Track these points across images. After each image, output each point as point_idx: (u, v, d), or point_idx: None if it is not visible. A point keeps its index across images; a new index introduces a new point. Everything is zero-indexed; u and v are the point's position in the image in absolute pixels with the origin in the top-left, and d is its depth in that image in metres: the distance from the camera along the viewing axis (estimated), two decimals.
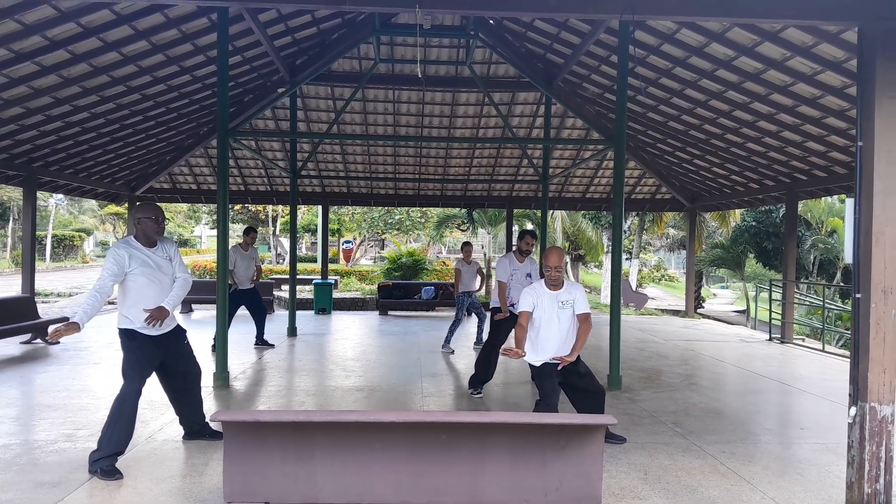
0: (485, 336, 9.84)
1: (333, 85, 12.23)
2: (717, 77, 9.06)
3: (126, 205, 15.35)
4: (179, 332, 5.04)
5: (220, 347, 7.31)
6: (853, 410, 3.42)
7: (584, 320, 5.15)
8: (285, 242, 37.25)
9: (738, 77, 8.77)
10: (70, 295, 21.42)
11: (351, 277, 23.31)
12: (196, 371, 5.17)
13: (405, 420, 3.31)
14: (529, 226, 25.56)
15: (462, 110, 13.09)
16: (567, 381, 5.05)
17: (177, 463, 4.80)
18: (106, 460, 4.50)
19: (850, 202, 3.56)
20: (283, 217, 37.22)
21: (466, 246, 9.97)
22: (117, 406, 4.61)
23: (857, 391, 3.38)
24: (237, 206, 35.30)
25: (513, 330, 7.13)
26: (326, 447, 3.49)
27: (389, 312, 15.30)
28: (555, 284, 4.98)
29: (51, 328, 4.99)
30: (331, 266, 29.08)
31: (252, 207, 35.63)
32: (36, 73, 8.26)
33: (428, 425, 3.40)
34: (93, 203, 45.59)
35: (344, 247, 35.16)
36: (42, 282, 22.15)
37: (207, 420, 5.22)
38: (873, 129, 3.46)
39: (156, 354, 4.80)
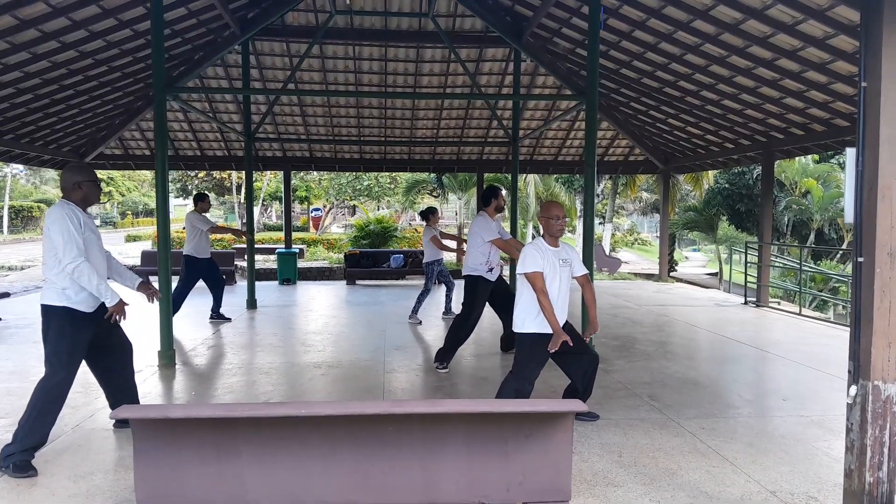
0: (453, 306, 9.41)
1: (289, 40, 11.48)
2: (694, 29, 8.56)
3: None
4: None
5: (163, 322, 6.76)
6: (853, 390, 3.01)
7: (586, 282, 4.75)
8: (254, 210, 36.36)
9: (716, 28, 8.28)
10: (22, 268, 20.51)
11: (318, 246, 22.68)
12: (128, 345, 4.64)
13: (342, 413, 2.84)
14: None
15: (427, 67, 12.44)
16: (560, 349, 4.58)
17: (104, 455, 4.29)
18: (20, 455, 3.97)
19: (850, 153, 3.11)
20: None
21: (434, 212, 9.45)
22: (41, 397, 4.04)
23: (858, 368, 2.97)
24: (200, 173, 34.25)
25: (485, 301, 6.73)
26: (254, 443, 3.02)
27: (357, 282, 14.79)
28: (556, 239, 4.54)
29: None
30: (300, 234, 28.41)
31: (216, 174, 34.57)
32: None
33: (370, 417, 2.93)
34: (54, 173, 43.97)
35: (313, 214, 34.40)
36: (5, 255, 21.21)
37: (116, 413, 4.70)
38: (880, 67, 3.00)
39: (88, 335, 4.23)
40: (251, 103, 12.85)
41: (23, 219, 38.60)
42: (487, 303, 6.75)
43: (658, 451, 4.44)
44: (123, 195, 45.46)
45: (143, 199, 51.15)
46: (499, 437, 3.10)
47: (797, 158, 20.92)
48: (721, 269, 23.19)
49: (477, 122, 14.32)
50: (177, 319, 8.96)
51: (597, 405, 5.35)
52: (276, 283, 14.53)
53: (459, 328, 6.52)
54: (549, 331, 4.46)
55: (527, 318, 4.46)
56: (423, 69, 12.45)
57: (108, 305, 4.19)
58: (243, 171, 31.71)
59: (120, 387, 4.59)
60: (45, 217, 4.12)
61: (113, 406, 4.67)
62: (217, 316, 9.44)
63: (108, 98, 11.92)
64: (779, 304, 11.96)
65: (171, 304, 8.71)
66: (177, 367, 6.75)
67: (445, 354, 6.59)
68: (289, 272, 14.38)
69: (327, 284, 15.00)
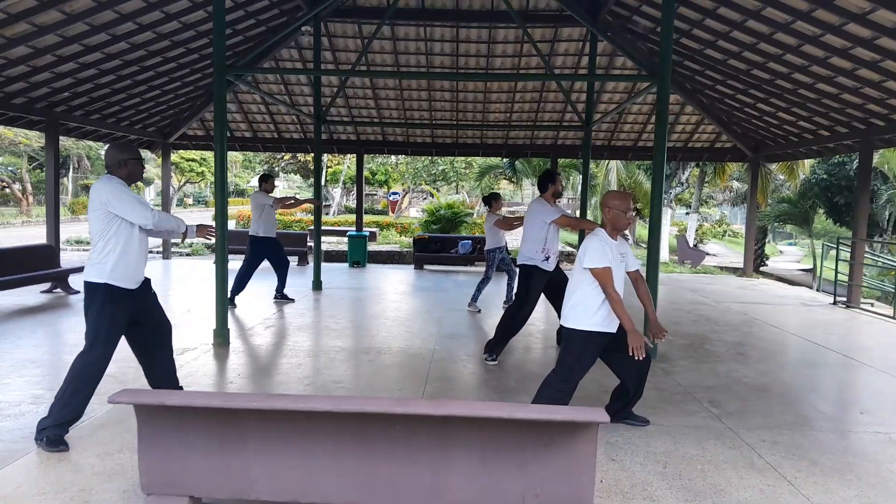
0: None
1: (360, 21, 11.42)
2: (784, 5, 7.90)
3: (159, 152, 15.03)
4: (147, 282, 4.51)
5: (219, 301, 6.83)
6: None
7: (639, 278, 4.41)
8: (335, 193, 37.02)
9: (809, 4, 7.60)
10: None
11: (391, 230, 22.77)
12: (168, 325, 4.65)
13: (340, 410, 2.67)
14: (573, 177, 24.35)
15: (500, 49, 12.10)
16: (608, 346, 4.29)
17: (135, 434, 4.30)
18: (54, 429, 4.04)
19: None
20: (331, 167, 36.91)
21: (497, 198, 9.16)
22: (77, 373, 4.09)
23: None
24: (286, 156, 35.12)
25: (541, 291, 6.41)
26: (259, 436, 2.90)
27: (425, 267, 14.71)
28: (618, 233, 4.24)
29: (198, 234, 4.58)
30: (377, 218, 28.68)
31: (301, 157, 35.34)
32: (34, 7, 7.78)
33: (371, 416, 2.75)
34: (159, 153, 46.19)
35: (390, 198, 34.67)
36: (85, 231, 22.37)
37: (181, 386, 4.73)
38: None
39: (129, 312, 4.28)
40: (323, 86, 12.95)
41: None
42: (543, 294, 6.43)
43: (708, 463, 4.07)
44: (216, 176, 47.19)
45: (234, 180, 53.05)
46: (516, 444, 2.86)
47: None
48: (815, 265, 21.79)
49: (552, 106, 13.87)
50: (240, 299, 9.20)
51: (650, 409, 5.00)
52: (346, 265, 14.66)
53: (510, 320, 6.26)
54: (608, 330, 4.17)
55: (582, 315, 4.14)
56: (495, 50, 12.13)
57: (192, 235, 4.55)
58: (324, 154, 32.34)
59: (159, 366, 4.62)
60: (92, 193, 4.14)
61: (152, 385, 4.72)
62: (281, 296, 9.55)
63: (188, 80, 12.25)
64: (872, 305, 11.01)
65: (236, 283, 8.97)
66: (231, 346, 6.81)
67: (495, 346, 6.36)
68: (358, 255, 14.45)
69: (395, 268, 15.01)
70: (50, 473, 3.69)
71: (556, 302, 6.38)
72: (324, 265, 14.77)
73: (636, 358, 4.00)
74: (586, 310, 4.13)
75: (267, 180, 9.29)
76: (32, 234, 22.68)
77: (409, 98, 13.76)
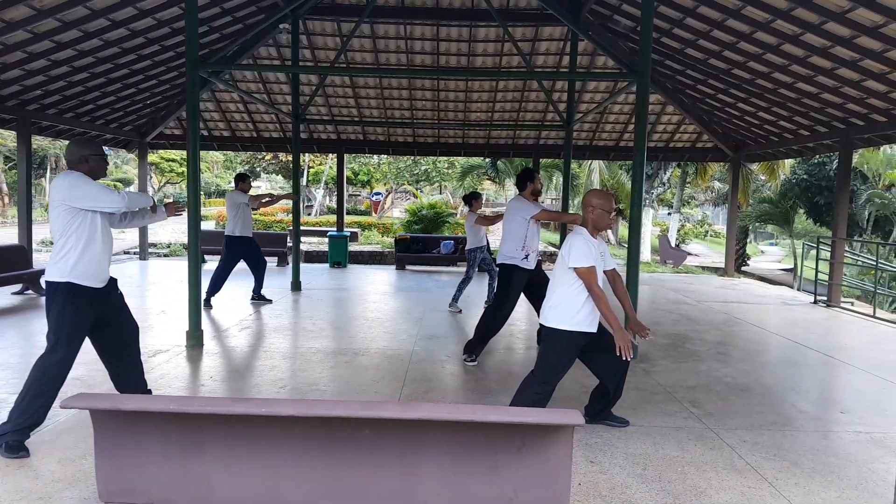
0: None
1: (339, 19, 11.28)
2: (764, 4, 7.88)
3: (136, 152, 14.79)
4: (113, 281, 4.35)
5: (191, 302, 6.67)
6: None
7: (616, 276, 4.34)
8: (317, 193, 36.76)
9: (788, 3, 7.59)
10: None
11: (373, 230, 22.62)
12: (134, 326, 4.49)
13: (305, 414, 2.55)
14: (556, 177, 24.31)
15: (481, 47, 12.02)
16: (586, 346, 4.19)
17: None
18: (14, 434, 3.88)
19: None
20: (313, 167, 36.65)
21: (477, 197, 9.07)
22: (38, 376, 3.92)
23: None
24: (267, 156, 34.82)
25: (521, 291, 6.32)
26: (220, 441, 2.78)
27: (407, 267, 14.59)
28: (598, 232, 4.16)
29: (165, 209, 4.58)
30: (359, 218, 28.50)
31: (283, 157, 35.05)
32: (2, 3, 7.57)
33: (342, 420, 2.64)
34: (134, 154, 45.67)
35: (373, 198, 34.49)
36: None
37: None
38: None
39: (92, 312, 4.12)
40: (303, 84, 12.80)
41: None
42: (523, 293, 6.34)
43: (689, 464, 3.99)
44: None
45: (214, 181, 52.56)
46: (487, 448, 2.76)
47: (881, 148, 19.49)
48: (796, 264, 21.92)
49: (533, 105, 13.82)
50: (216, 300, 9.04)
51: (630, 410, 4.93)
52: (327, 265, 14.50)
53: (490, 320, 6.16)
54: (589, 330, 4.09)
55: (563, 314, 4.04)
56: (476, 49, 12.05)
57: (162, 215, 4.52)
58: (305, 154, 31.98)
59: (125, 369, 4.46)
60: (52, 190, 3.98)
61: (119, 389, 4.57)
62: (258, 297, 9.39)
63: (164, 78, 12.03)
64: (852, 304, 11.06)
65: (212, 284, 8.81)
66: (204, 348, 6.66)
67: (474, 347, 6.26)
68: (339, 255, 14.31)
69: (377, 269, 14.88)
70: (8, 481, 3.53)
71: (537, 301, 6.27)
72: (304, 266, 14.60)
73: (624, 358, 3.93)
74: (568, 309, 4.04)
75: (244, 179, 9.14)
76: (8, 234, 22.28)
77: (389, 97, 13.63)
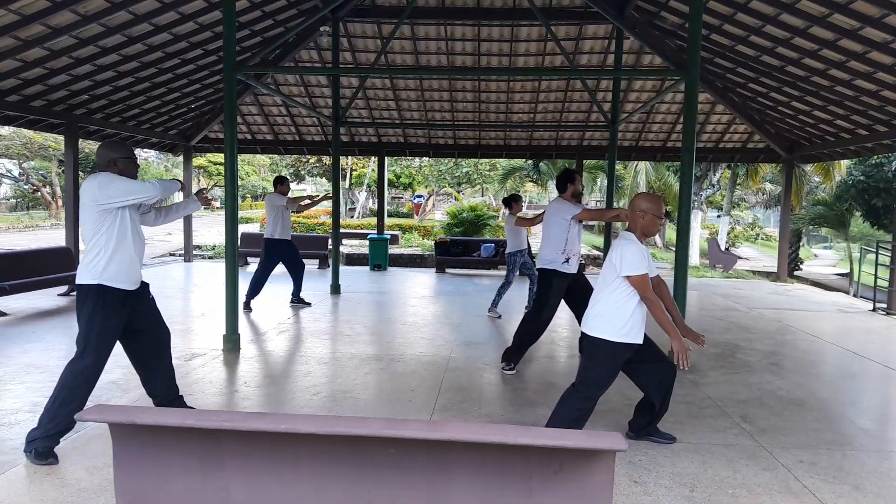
0: None
1: (380, 21, 11.21)
2: None
3: (182, 156, 15.01)
4: (146, 286, 4.30)
5: (229, 306, 6.63)
6: None
7: (662, 283, 4.11)
8: (360, 195, 36.95)
9: None
10: None
11: (413, 233, 22.55)
12: (166, 332, 4.45)
13: (324, 432, 2.41)
14: (600, 179, 23.82)
15: (524, 47, 11.79)
16: (630, 357, 3.98)
17: None
18: (44, 441, 3.85)
19: None
20: (356, 170, 36.85)
21: (517, 199, 8.86)
22: (68, 382, 3.89)
23: None
24: (312, 159, 35.12)
25: (562, 297, 6.09)
26: (239, 457, 2.66)
27: (447, 270, 14.45)
28: (647, 238, 3.97)
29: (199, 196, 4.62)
30: (400, 221, 28.51)
31: (325, 160, 35.32)
32: (48, 8, 7.69)
33: (363, 438, 2.49)
34: (182, 158, 46.65)
35: (415, 201, 34.47)
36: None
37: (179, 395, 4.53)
38: None
39: (123, 317, 4.08)
40: (343, 87, 12.78)
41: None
42: (564, 300, 6.10)
43: (740, 486, 3.73)
44: (242, 179, 47.59)
45: (261, 183, 53.40)
46: (522, 470, 2.57)
47: None
48: (852, 269, 21.04)
49: (577, 105, 13.52)
50: (256, 303, 9.04)
51: (677, 425, 4.67)
52: (368, 268, 14.46)
53: (528, 327, 5.95)
54: (635, 341, 3.86)
55: (608, 324, 3.82)
56: (518, 49, 11.83)
57: (196, 205, 4.53)
58: (350, 157, 32.19)
59: (155, 375, 4.42)
60: (82, 192, 3.94)
61: (149, 394, 4.53)
62: (297, 300, 9.36)
63: (207, 82, 12.15)
64: None
65: (251, 287, 8.81)
66: (241, 352, 6.62)
67: (513, 355, 6.06)
68: (379, 258, 14.25)
69: (417, 272, 14.77)
70: (34, 488, 3.50)
71: (578, 309, 6.05)
72: (345, 268, 14.63)
73: (682, 367, 3.70)
74: (614, 319, 3.82)
75: (282, 182, 9.13)
76: (60, 236, 22.96)
77: (430, 99, 13.51)
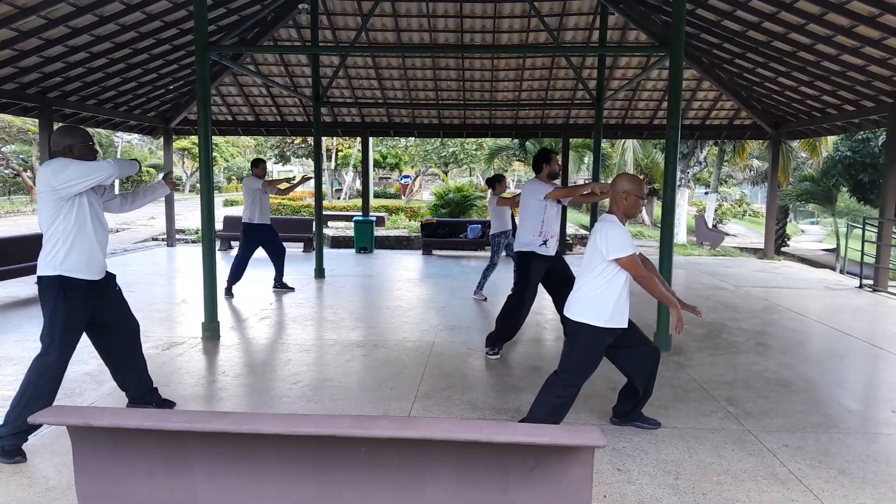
0: None
1: None
2: None
3: (162, 138, 14.73)
4: (111, 277, 4.14)
5: (207, 292, 6.49)
6: None
7: (647, 261, 3.99)
8: (347, 176, 36.62)
9: None
10: (117, 230, 21.45)
11: (400, 214, 22.37)
12: (134, 325, 4.30)
13: (290, 432, 2.29)
14: (587, 159, 23.66)
15: (507, 24, 11.57)
16: (614, 342, 3.89)
17: None
18: (11, 438, 3.72)
19: None
20: (342, 151, 36.48)
21: (501, 180, 8.71)
22: (34, 378, 3.75)
23: None
24: (297, 140, 34.73)
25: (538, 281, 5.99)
26: (204, 458, 2.54)
27: (434, 252, 14.33)
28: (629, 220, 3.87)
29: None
30: (386, 202, 28.30)
31: (311, 140, 34.95)
32: None
33: (328, 439, 2.38)
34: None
35: (402, 181, 34.22)
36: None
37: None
38: None
39: (87, 309, 3.93)
40: (325, 66, 12.54)
41: (133, 183, 40.72)
42: (542, 284, 5.99)
43: (725, 473, 3.66)
44: (227, 161, 47.08)
45: (247, 165, 52.87)
46: (497, 468, 2.47)
47: None
48: (839, 245, 21.10)
49: (562, 83, 13.34)
50: (237, 288, 8.89)
51: (661, 409, 4.60)
52: (353, 251, 14.32)
53: (510, 311, 5.85)
54: (620, 326, 3.79)
55: (592, 309, 3.73)
56: (501, 25, 11.61)
57: (163, 189, 4.39)
58: (333, 137, 31.80)
59: (126, 368, 4.29)
60: (38, 180, 3.75)
61: (122, 388, 4.40)
62: (280, 285, 9.22)
63: (185, 62, 11.87)
64: None
65: (232, 272, 8.66)
66: (221, 340, 6.48)
67: (496, 340, 5.97)
68: (365, 241, 14.11)
69: (403, 254, 14.64)
70: (0, 488, 3.37)
71: (556, 293, 5.95)
72: (330, 251, 14.49)
73: (676, 333, 3.63)
74: (598, 304, 3.72)
75: (257, 165, 8.94)
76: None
77: (413, 78, 13.29)
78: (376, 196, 34.93)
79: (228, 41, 7.86)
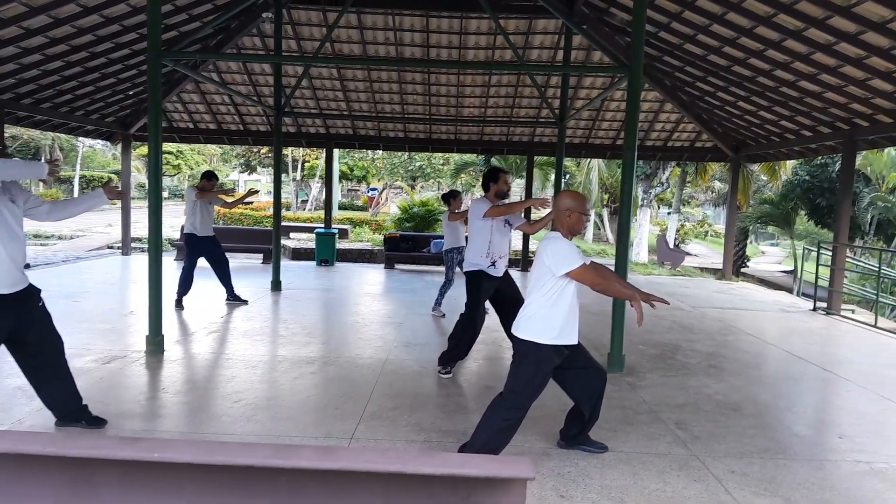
0: None
1: (326, 9, 10.85)
2: None
3: (120, 145, 14.40)
4: (33, 292, 3.92)
5: (151, 305, 6.28)
6: None
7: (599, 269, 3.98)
8: (313, 187, 36.32)
9: None
10: (71, 237, 20.89)
11: (364, 227, 22.20)
12: (56, 342, 4.08)
13: (203, 461, 2.16)
14: (553, 177, 23.83)
15: (473, 40, 11.59)
16: (561, 363, 3.81)
17: None
18: None
19: None
20: (309, 161, 36.20)
21: (456, 195, 8.66)
22: None
23: None
24: (263, 149, 34.35)
25: (486, 298, 5.93)
26: (115, 486, 2.37)
27: (396, 266, 14.20)
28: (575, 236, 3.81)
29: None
30: (353, 214, 28.10)
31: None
32: None
33: (241, 469, 2.25)
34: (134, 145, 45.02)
35: (369, 194, 34.06)
36: (57, 224, 21.70)
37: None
38: None
39: (5, 325, 3.71)
40: (290, 77, 12.41)
41: (93, 188, 39.84)
42: (491, 304, 5.94)
43: (670, 500, 3.60)
44: (192, 168, 46.39)
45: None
46: (429, 499, 2.36)
47: (885, 150, 19.07)
48: (797, 267, 21.52)
49: (528, 101, 13.39)
50: (190, 300, 8.65)
51: (610, 432, 4.54)
52: (314, 263, 14.12)
53: (462, 331, 5.77)
54: (569, 342, 3.74)
55: (540, 325, 3.66)
56: (468, 42, 11.62)
57: (101, 198, 4.10)
58: (301, 149, 31.48)
59: (50, 386, 4.09)
60: None
61: (48, 407, 4.19)
62: (233, 298, 8.99)
63: (145, 68, 11.59)
64: (853, 312, 10.66)
65: (180, 284, 8.43)
66: (165, 354, 6.27)
67: (448, 359, 5.87)
68: (327, 253, 13.92)
69: (365, 267, 14.48)
70: None
71: (504, 313, 5.85)
72: (291, 264, 14.28)
73: (638, 325, 3.60)
74: (546, 321, 3.66)
75: (208, 178, 8.67)
76: None
77: (379, 91, 13.22)
78: (344, 208, 34.67)
79: (192, 48, 7.68)
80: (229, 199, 9.08)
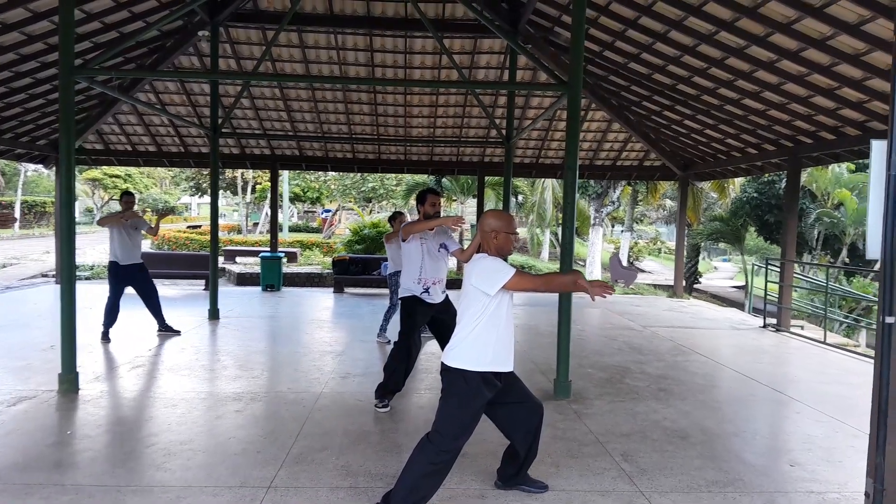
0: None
1: (266, 27, 10.54)
2: (707, 14, 7.44)
3: (54, 168, 13.75)
4: None
5: (64, 340, 5.81)
6: None
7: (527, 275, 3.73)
8: (266, 209, 35.62)
9: (732, 13, 7.16)
10: (3, 266, 19.92)
11: (315, 250, 21.71)
12: None
13: None
14: (500, 196, 23.83)
15: (419, 59, 11.39)
16: (492, 397, 3.51)
17: None
18: None
19: (878, 148, 1.89)
20: (261, 184, 35.54)
21: (398, 216, 8.37)
22: None
23: (877, 493, 1.85)
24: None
25: (420, 322, 5.64)
26: None
27: (346, 290, 13.80)
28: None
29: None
30: (303, 237, 27.55)
31: (229, 173, 33.91)
32: None
33: None
34: (80, 168, 43.57)
35: (322, 215, 33.57)
36: None
37: None
38: None
39: None
40: (231, 97, 12.03)
41: (36, 214, 38.44)
42: (430, 331, 5.66)
43: None
44: (142, 192, 45.17)
45: (162, 196, 50.88)
46: None
47: (829, 167, 19.50)
48: (748, 282, 21.80)
49: (476, 122, 13.25)
50: (117, 332, 8.14)
51: (552, 468, 4.28)
52: (260, 289, 13.63)
53: (396, 360, 5.46)
54: (504, 369, 3.46)
55: (471, 351, 3.38)
56: (413, 61, 11.42)
57: None
58: (252, 171, 30.93)
59: None
60: None
61: None
62: (164, 328, 8.50)
63: (78, 88, 11.06)
64: (802, 328, 10.67)
65: (106, 315, 7.93)
66: (79, 393, 5.79)
67: (385, 392, 5.53)
68: (272, 278, 13.45)
69: (313, 292, 14.04)
70: None
71: (444, 342, 5.56)
72: (235, 289, 13.80)
73: (603, 296, 3.22)
74: (478, 346, 3.38)
75: (125, 198, 8.16)
76: None
77: (325, 111, 12.91)
78: (297, 230, 34.06)
79: (108, 63, 7.27)
80: (153, 224, 8.57)
